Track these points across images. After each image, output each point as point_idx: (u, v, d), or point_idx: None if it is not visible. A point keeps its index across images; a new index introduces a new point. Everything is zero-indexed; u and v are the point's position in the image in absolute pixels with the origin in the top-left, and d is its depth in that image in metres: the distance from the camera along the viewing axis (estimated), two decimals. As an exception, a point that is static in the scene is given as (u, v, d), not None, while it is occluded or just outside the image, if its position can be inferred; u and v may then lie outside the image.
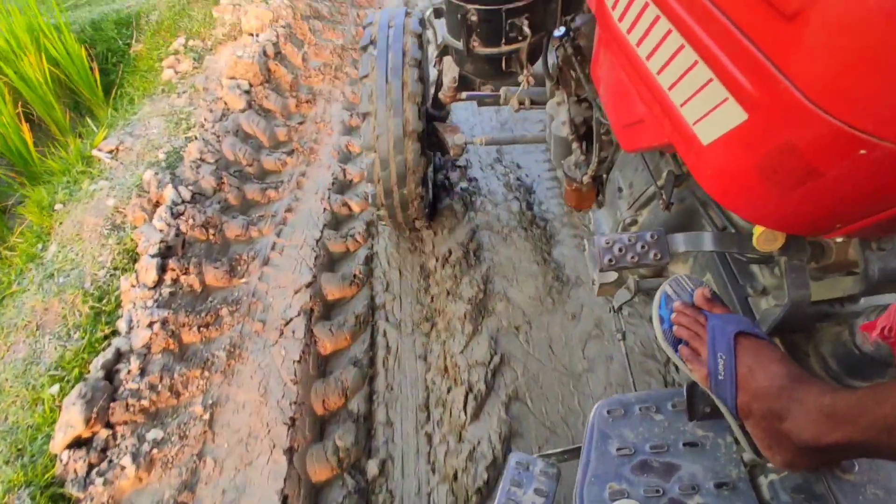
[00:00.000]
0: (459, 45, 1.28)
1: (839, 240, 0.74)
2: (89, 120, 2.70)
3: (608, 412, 0.89)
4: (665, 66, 0.69)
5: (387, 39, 1.66)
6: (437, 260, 2.24)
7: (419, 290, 2.16)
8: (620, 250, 0.83)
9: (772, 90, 0.51)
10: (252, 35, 3.03)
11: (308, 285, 2.11)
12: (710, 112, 0.61)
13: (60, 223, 2.19)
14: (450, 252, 2.22)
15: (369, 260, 2.29)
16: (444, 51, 1.57)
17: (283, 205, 2.44)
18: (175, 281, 1.96)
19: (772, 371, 0.66)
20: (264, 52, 2.90)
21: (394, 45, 1.65)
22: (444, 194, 2.45)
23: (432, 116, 1.89)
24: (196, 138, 2.49)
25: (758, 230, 0.71)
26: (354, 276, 2.18)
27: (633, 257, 0.82)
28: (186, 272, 2.00)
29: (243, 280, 2.13)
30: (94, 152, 2.46)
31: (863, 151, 0.46)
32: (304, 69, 3.11)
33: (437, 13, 1.46)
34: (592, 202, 1.44)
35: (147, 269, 1.91)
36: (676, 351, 0.77)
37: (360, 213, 2.47)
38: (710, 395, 0.72)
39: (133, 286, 1.90)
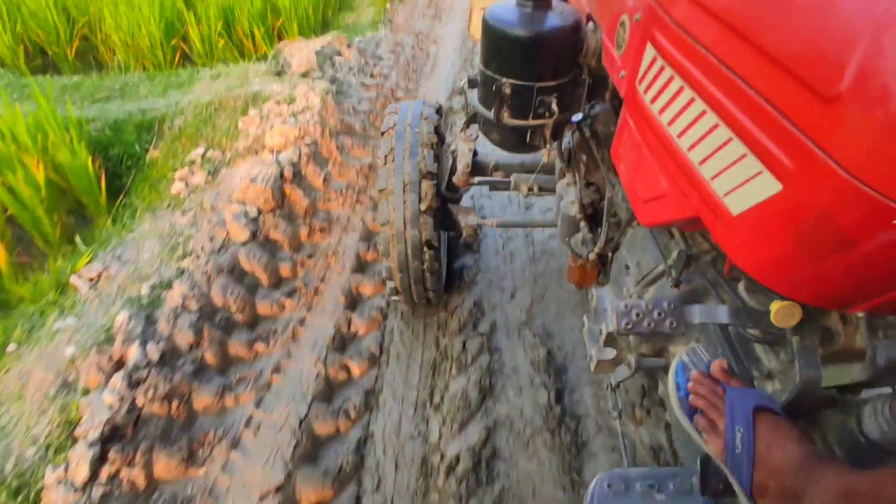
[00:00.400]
0: (489, 114, 1.33)
1: (859, 314, 0.74)
2: (78, 239, 2.46)
3: (609, 485, 0.89)
4: (697, 143, 0.73)
5: (405, 125, 1.82)
6: (441, 458, 1.82)
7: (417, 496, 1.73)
8: (638, 315, 0.84)
9: (809, 163, 0.53)
10: (273, 151, 2.83)
11: (278, 489, 1.70)
12: (743, 184, 0.63)
13: (6, 371, 1.87)
14: (457, 459, 1.79)
15: (362, 444, 1.88)
16: (472, 118, 1.61)
17: (272, 362, 2.08)
18: (113, 477, 1.58)
19: (790, 449, 0.65)
20: (281, 174, 2.67)
21: (412, 129, 1.80)
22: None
23: (447, 198, 1.97)
24: (185, 272, 2.20)
25: (775, 305, 0.73)
26: (340, 468, 1.77)
27: (649, 323, 0.83)
28: (131, 463, 1.62)
29: (202, 470, 1.74)
30: (73, 279, 2.19)
31: None
32: (323, 191, 2.87)
33: (471, 83, 1.49)
34: (594, 280, 1.49)
35: (80, 461, 1.54)
36: (691, 420, 0.77)
37: (361, 378, 2.10)
38: (724, 470, 0.71)
39: (60, 481, 1.53)
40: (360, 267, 2.57)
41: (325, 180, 2.88)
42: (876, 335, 0.73)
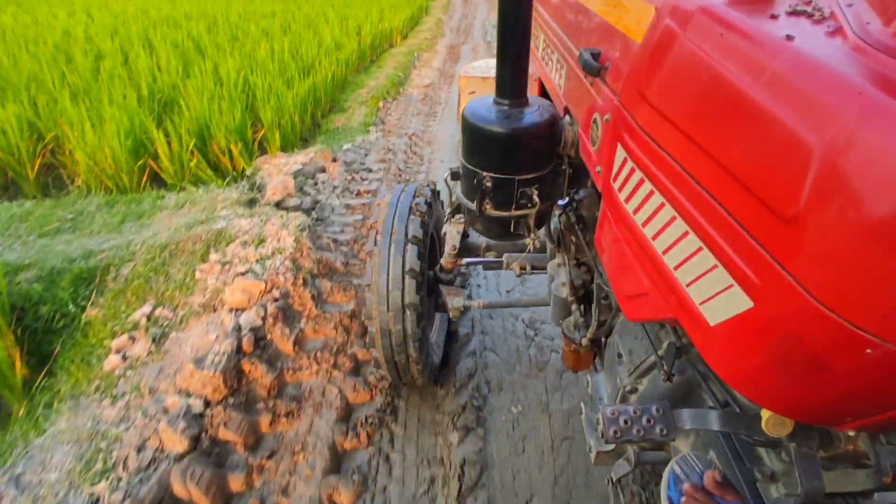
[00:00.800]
0: (472, 206, 1.33)
1: (851, 433, 0.74)
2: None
3: None
4: (670, 248, 0.72)
5: (393, 218, 1.81)
6: None
7: None
8: (626, 422, 0.84)
9: (776, 284, 0.52)
10: (233, 311, 2.35)
11: None
12: (716, 295, 0.62)
13: None
14: None
15: None
16: (456, 209, 1.60)
17: None
18: None
19: None
20: (238, 347, 2.17)
21: (398, 223, 1.79)
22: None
23: (439, 279, 1.98)
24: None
25: (766, 414, 0.72)
26: None
27: (638, 430, 0.83)
28: None
29: None
30: (-58, 525, 1.63)
31: (869, 350, 0.46)
32: (294, 357, 2.36)
33: (454, 175, 1.48)
34: (590, 364, 1.46)
35: None
36: None
37: None
38: None
39: None
40: (336, 464, 2.01)
41: (295, 342, 2.38)
42: (878, 441, 0.71)
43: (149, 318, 2.37)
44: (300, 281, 2.58)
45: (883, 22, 0.55)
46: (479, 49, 10.16)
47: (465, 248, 1.91)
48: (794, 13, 0.64)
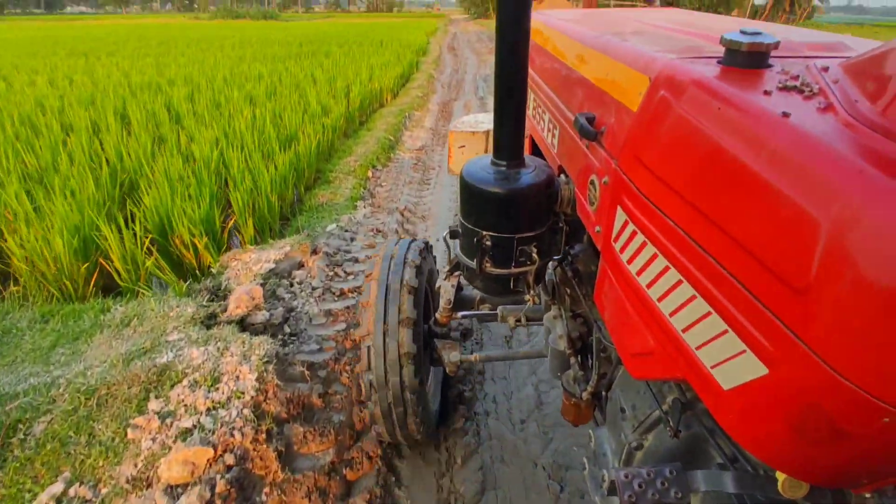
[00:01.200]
0: (472, 264, 1.33)
1: (867, 495, 0.72)
2: None
3: None
4: (677, 310, 0.70)
5: (388, 270, 1.79)
6: None
7: None
8: (640, 486, 0.83)
9: (790, 352, 0.52)
10: (171, 488, 1.78)
11: None
12: (729, 360, 0.61)
13: None
14: None
15: None
16: (455, 267, 1.59)
17: None
18: None
19: None
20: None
21: (393, 274, 1.77)
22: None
23: (434, 333, 1.95)
24: None
25: (782, 476, 0.70)
26: None
27: (653, 494, 0.82)
28: None
29: None
30: None
31: (887, 420, 0.46)
32: (249, 551, 1.78)
33: (453, 234, 1.43)
34: (590, 418, 1.45)
35: None
36: None
37: None
38: None
39: None
40: None
41: (252, 529, 1.80)
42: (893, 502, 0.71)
43: (59, 501, 1.79)
44: (262, 435, 2.02)
45: (869, 100, 0.57)
46: (472, 105, 9.95)
47: (460, 302, 1.88)
48: (785, 89, 0.66)
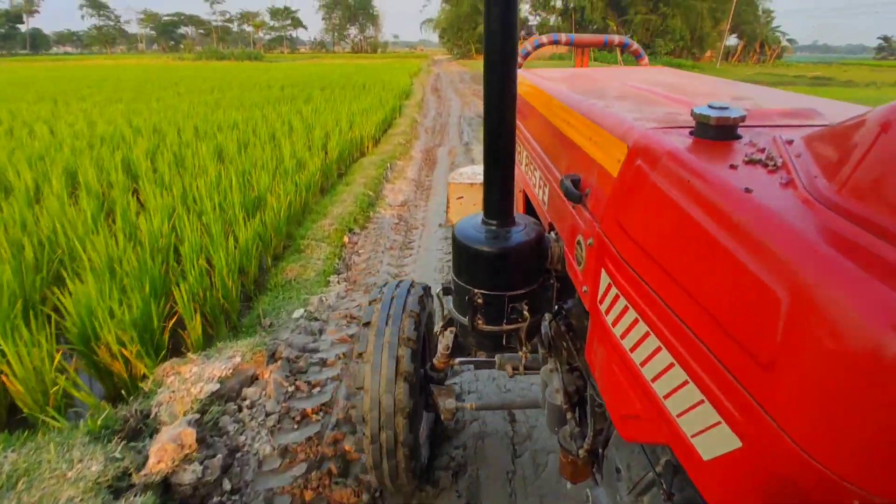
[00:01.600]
0: (465, 320, 1.35)
1: None
2: None
3: None
4: (658, 376, 0.71)
5: (387, 319, 1.74)
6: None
7: None
8: None
9: (760, 426, 0.52)
10: None
11: None
12: (707, 430, 0.61)
13: None
14: None
15: None
16: (448, 322, 1.60)
17: None
18: None
19: None
20: None
21: (392, 324, 1.73)
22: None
23: (430, 378, 1.94)
24: None
25: None
26: None
27: None
28: None
29: None
30: None
31: (856, 502, 0.45)
32: None
33: (446, 291, 1.45)
34: (588, 476, 1.44)
35: None
36: None
37: None
38: None
39: None
40: None
41: None
42: None
43: None
44: None
45: (826, 177, 0.59)
46: (456, 152, 9.58)
47: (457, 348, 1.83)
48: (750, 162, 0.69)
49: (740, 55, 59.68)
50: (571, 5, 52.31)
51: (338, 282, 4.17)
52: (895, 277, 0.43)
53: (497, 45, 1.06)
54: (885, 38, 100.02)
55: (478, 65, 44.40)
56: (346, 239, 5.00)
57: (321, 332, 3.32)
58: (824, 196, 0.55)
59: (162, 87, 16.76)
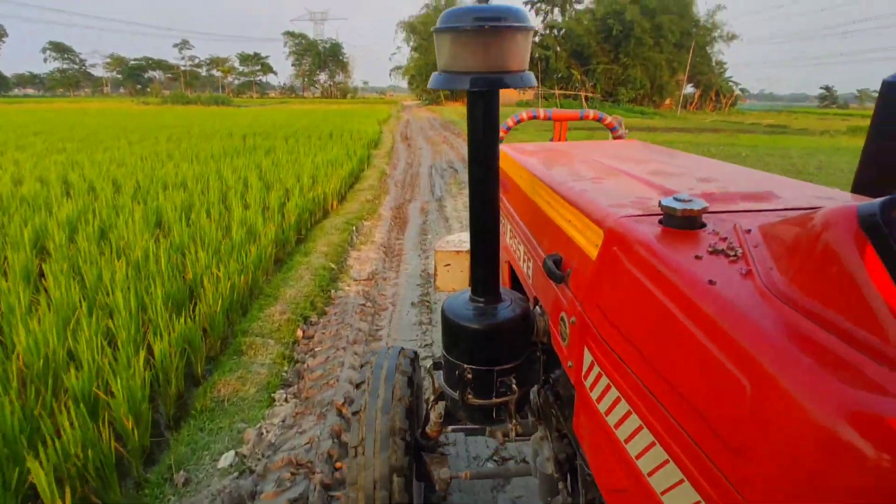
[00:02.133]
0: (455, 395, 1.38)
1: None
2: None
3: None
4: (641, 454, 0.73)
5: (380, 379, 1.78)
6: None
7: None
8: None
9: None
10: None
11: None
12: None
13: None
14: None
15: None
16: (440, 396, 1.63)
17: None
18: None
19: None
20: None
21: (386, 383, 1.76)
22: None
23: (421, 446, 1.94)
24: None
25: None
26: None
27: None
28: None
29: None
30: None
31: None
32: None
33: (437, 366, 1.50)
34: None
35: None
36: None
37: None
38: None
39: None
40: None
41: None
42: None
43: None
44: None
45: (779, 269, 0.62)
46: (429, 208, 8.93)
47: (449, 415, 1.78)
48: (714, 252, 0.73)
49: (697, 103, 62.41)
50: (536, 55, 54.01)
51: (285, 399, 3.31)
52: (842, 369, 0.46)
53: (479, 135, 1.15)
54: (827, 88, 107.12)
55: (447, 111, 44.78)
56: (299, 332, 4.16)
57: (254, 494, 2.44)
58: (778, 289, 0.59)
59: (114, 136, 15.77)
